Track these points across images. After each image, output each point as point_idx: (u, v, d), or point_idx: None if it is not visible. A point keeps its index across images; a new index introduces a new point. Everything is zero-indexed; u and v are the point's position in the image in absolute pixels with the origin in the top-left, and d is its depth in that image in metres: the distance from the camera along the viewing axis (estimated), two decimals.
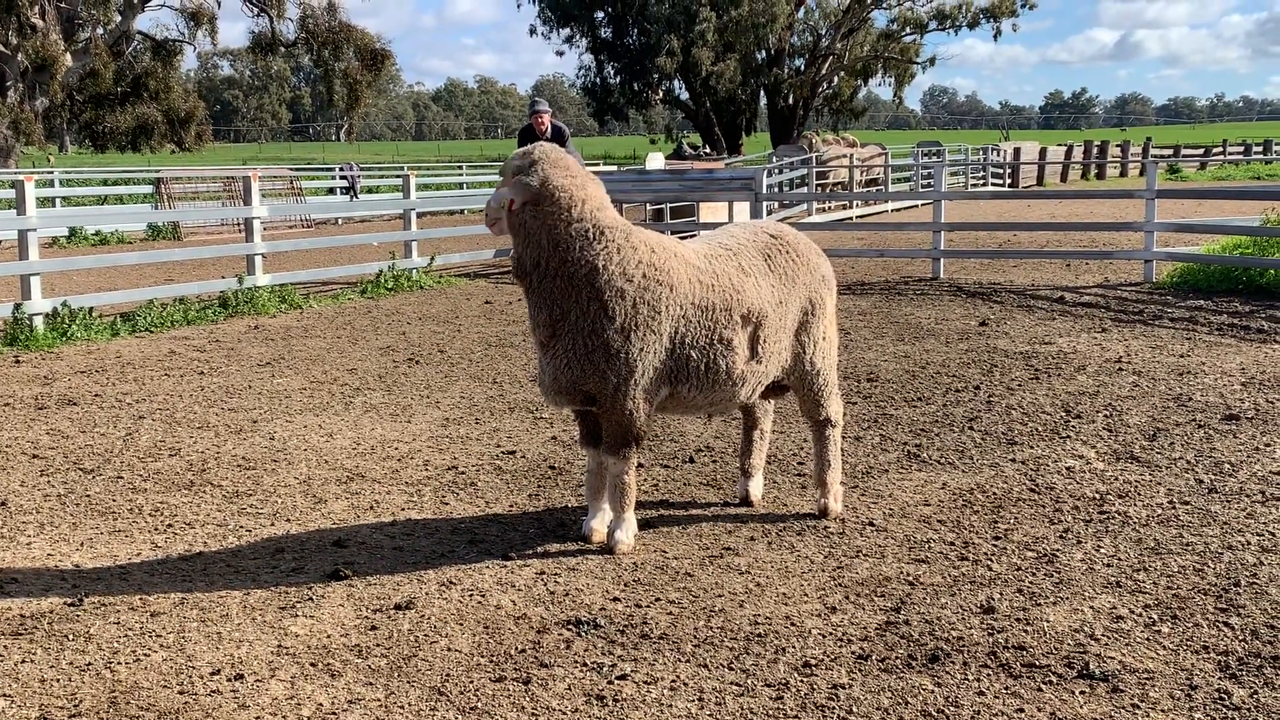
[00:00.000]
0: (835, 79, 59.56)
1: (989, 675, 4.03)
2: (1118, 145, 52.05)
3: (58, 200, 27.91)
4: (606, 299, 4.99)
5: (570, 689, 3.97)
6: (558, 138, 14.61)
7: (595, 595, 4.81)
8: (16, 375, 9.81)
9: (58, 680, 4.09)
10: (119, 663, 4.23)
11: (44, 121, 43.72)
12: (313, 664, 4.20)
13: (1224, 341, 10.45)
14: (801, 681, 4.01)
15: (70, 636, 4.46)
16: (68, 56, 40.98)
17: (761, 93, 58.73)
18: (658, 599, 4.77)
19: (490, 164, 50.29)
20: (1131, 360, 9.63)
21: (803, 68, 58.58)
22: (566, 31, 58.44)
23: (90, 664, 4.22)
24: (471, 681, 4.04)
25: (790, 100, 57.84)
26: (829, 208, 28.54)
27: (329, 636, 4.44)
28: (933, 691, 3.92)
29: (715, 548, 5.37)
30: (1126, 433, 7.31)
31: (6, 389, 9.21)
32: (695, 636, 4.39)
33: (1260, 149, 53.54)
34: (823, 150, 32.89)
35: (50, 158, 49.09)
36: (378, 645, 4.35)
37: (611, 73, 59.15)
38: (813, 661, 4.15)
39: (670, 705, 3.85)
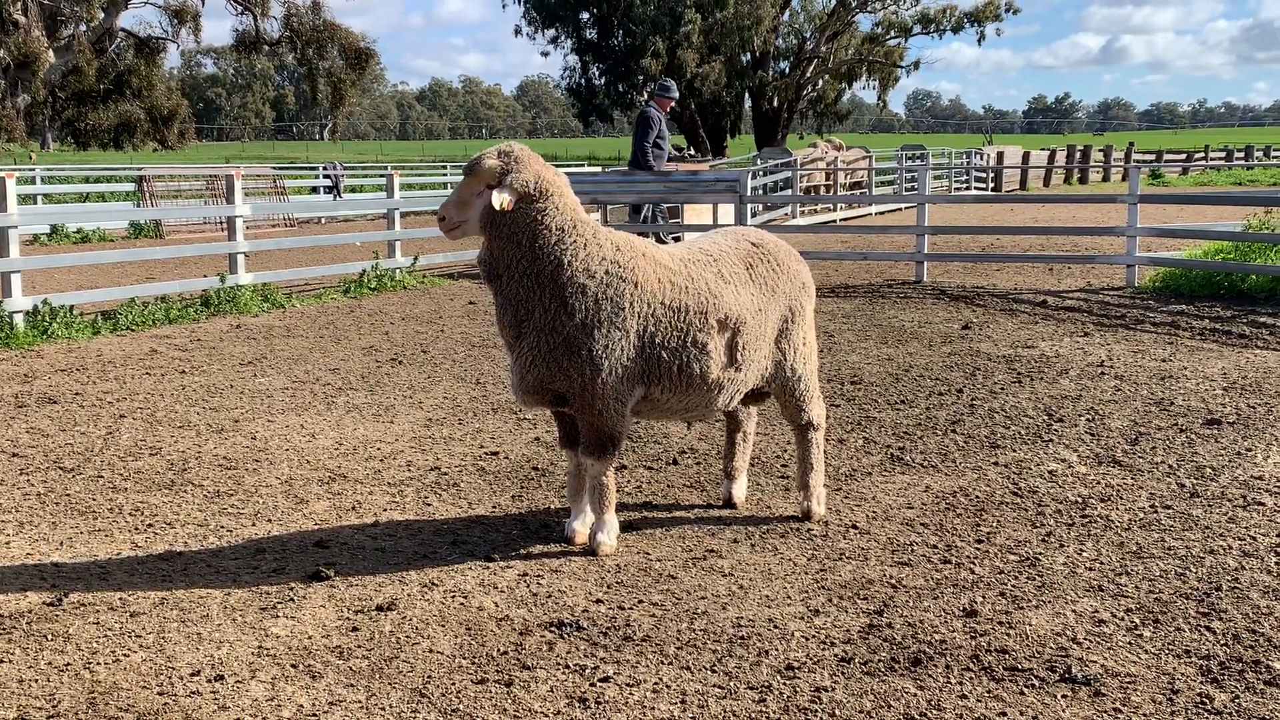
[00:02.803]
0: (820, 82, 59.62)
1: (971, 678, 4.04)
2: (1100, 150, 52.24)
3: (39, 198, 27.76)
4: (567, 295, 4.97)
5: (552, 691, 3.96)
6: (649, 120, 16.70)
7: (578, 597, 4.80)
8: None
9: (36, 680, 4.06)
10: (98, 663, 4.20)
11: (26, 119, 43.51)
12: (293, 665, 4.18)
13: (1206, 346, 10.49)
14: (784, 684, 4.00)
15: (49, 636, 4.43)
16: (50, 53, 40.81)
17: (746, 95, 58.77)
18: (640, 601, 4.76)
19: None
20: (1114, 364, 9.66)
21: (787, 70, 58.65)
22: (551, 32, 58.40)
23: (69, 664, 4.20)
24: (453, 683, 4.03)
25: (775, 103, 57.89)
26: (817, 209, 28.57)
27: (310, 638, 4.42)
28: (915, 695, 3.92)
29: (698, 550, 5.37)
30: (1108, 437, 7.33)
31: None
32: (678, 639, 4.38)
33: (1242, 155, 53.86)
34: (793, 156, 32.90)
35: (32, 155, 48.84)
36: (359, 646, 4.34)
37: (596, 74, 59.14)
38: (795, 664, 4.15)
39: (653, 708, 3.84)
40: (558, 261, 4.98)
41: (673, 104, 16.99)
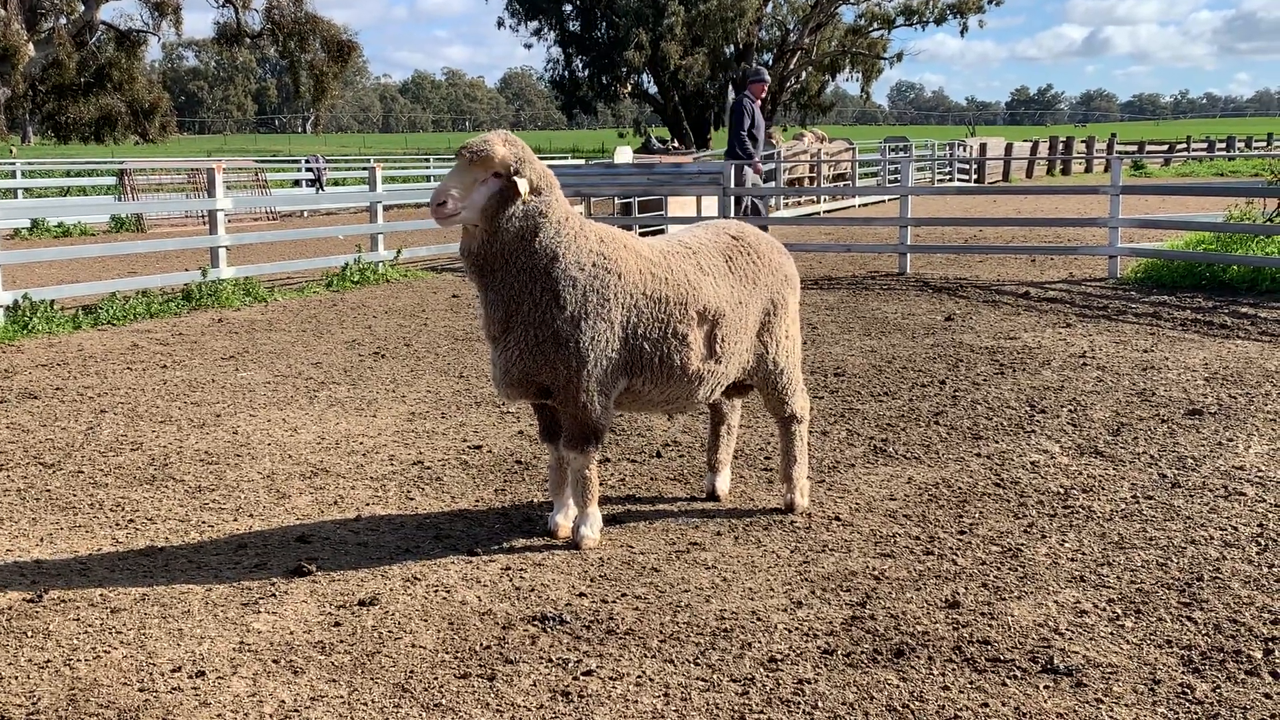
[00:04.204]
0: (803, 74, 59.62)
1: (954, 670, 4.04)
2: (1083, 141, 52.38)
3: (20, 191, 27.61)
4: (560, 288, 4.95)
5: (535, 685, 3.96)
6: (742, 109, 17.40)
7: (561, 591, 4.80)
8: None
9: (16, 678, 4.04)
10: (78, 660, 4.18)
11: (6, 112, 43.29)
12: (275, 661, 4.16)
13: (1187, 337, 10.53)
14: (767, 676, 4.00)
15: (29, 633, 4.41)
16: (30, 46, 40.60)
17: (730, 87, 58.72)
18: (624, 594, 4.75)
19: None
20: (1095, 355, 9.69)
21: (770, 62, 58.63)
22: (535, 24, 58.25)
23: (49, 661, 4.17)
24: (436, 678, 4.02)
25: None
26: (801, 201, 28.58)
27: (292, 633, 4.40)
28: (898, 686, 3.92)
29: (682, 543, 5.36)
30: (1090, 428, 7.35)
31: None
32: (661, 632, 4.38)
33: (1224, 145, 54.08)
34: (779, 147, 32.90)
35: (12, 149, 48.55)
36: (341, 642, 4.32)
37: (580, 66, 59.01)
38: (778, 656, 4.15)
39: (636, 701, 3.84)
40: (554, 255, 4.96)
41: (766, 87, 17.61)
